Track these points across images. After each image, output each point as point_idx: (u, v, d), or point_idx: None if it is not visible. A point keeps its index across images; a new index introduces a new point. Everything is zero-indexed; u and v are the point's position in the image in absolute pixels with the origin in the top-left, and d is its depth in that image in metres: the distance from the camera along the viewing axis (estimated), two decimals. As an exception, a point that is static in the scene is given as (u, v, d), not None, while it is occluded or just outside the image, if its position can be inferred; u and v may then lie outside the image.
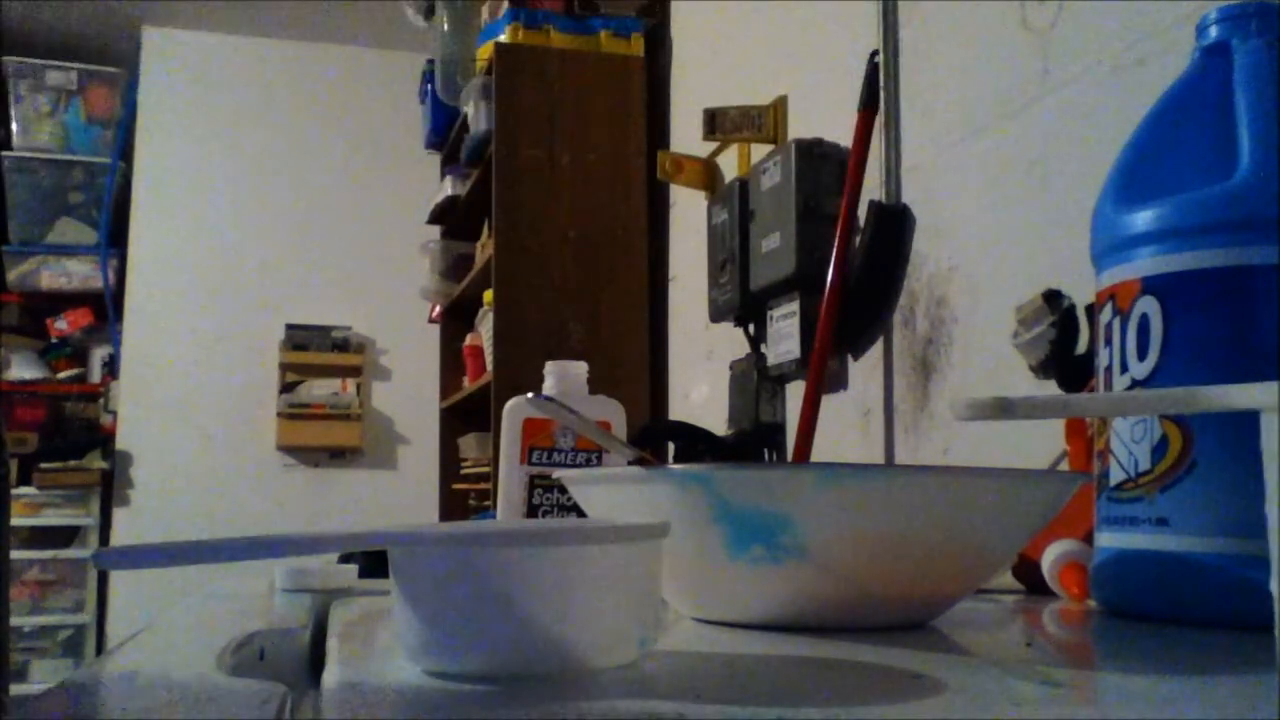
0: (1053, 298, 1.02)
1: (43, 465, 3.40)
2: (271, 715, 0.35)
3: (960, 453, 1.26)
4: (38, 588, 3.37)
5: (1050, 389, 1.02)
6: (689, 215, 2.19)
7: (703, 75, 2.24)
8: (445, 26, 2.71)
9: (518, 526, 0.37)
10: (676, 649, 0.40)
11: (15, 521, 3.21)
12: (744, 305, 1.68)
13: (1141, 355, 0.53)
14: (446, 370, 3.22)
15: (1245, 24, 0.55)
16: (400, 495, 3.71)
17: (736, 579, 0.45)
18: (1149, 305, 0.53)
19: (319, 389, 3.63)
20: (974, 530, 0.44)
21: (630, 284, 2.38)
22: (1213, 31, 0.56)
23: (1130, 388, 0.53)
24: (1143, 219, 0.53)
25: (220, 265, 3.65)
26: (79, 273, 3.60)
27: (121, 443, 3.53)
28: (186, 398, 3.57)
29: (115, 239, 3.62)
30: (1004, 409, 0.30)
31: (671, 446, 1.55)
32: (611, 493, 0.48)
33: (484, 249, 2.64)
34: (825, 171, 1.51)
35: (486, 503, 2.58)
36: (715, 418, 1.90)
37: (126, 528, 3.48)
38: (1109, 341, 0.55)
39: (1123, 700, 0.34)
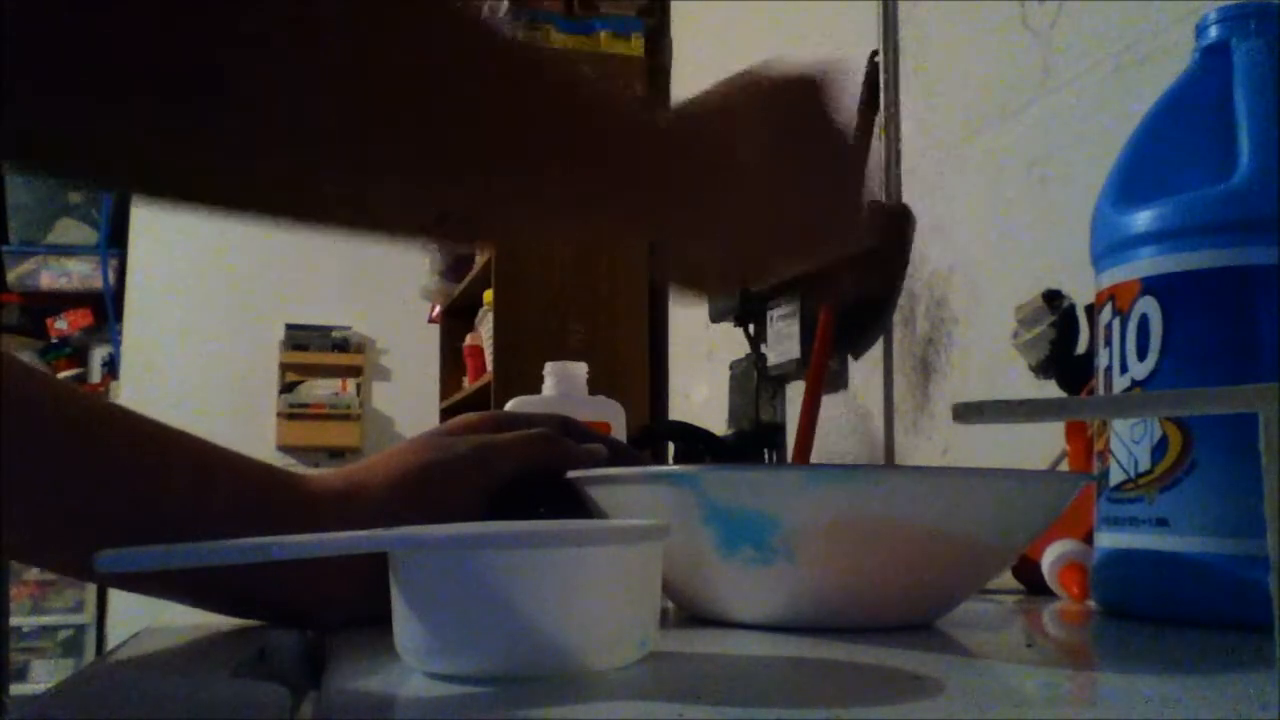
0: (1053, 298, 1.02)
1: (43, 465, 3.39)
2: (272, 716, 0.35)
3: (960, 452, 1.26)
4: (38, 588, 3.37)
5: (1050, 389, 1.02)
6: (689, 215, 2.19)
7: (703, 75, 2.24)
8: (445, 26, 2.71)
9: (518, 528, 0.37)
10: (676, 650, 0.40)
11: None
12: (744, 305, 1.67)
13: (1141, 356, 0.53)
14: (446, 370, 3.22)
15: (1245, 24, 0.55)
16: (400, 495, 3.70)
17: (729, 580, 0.45)
18: (1149, 305, 0.53)
19: (319, 389, 3.63)
20: (967, 534, 0.44)
21: (630, 284, 2.38)
22: (1212, 31, 0.56)
23: (1130, 388, 0.53)
24: (1143, 219, 0.53)
25: (220, 265, 3.64)
26: (79, 273, 3.60)
27: (121, 443, 3.53)
28: (186, 398, 3.56)
29: (115, 239, 3.62)
30: (1002, 412, 0.30)
31: (671, 447, 1.55)
32: (608, 493, 0.48)
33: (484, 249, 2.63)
34: (825, 171, 1.50)
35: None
36: (715, 418, 1.90)
37: (127, 528, 3.47)
38: (1109, 342, 0.55)
39: (1123, 700, 0.34)
